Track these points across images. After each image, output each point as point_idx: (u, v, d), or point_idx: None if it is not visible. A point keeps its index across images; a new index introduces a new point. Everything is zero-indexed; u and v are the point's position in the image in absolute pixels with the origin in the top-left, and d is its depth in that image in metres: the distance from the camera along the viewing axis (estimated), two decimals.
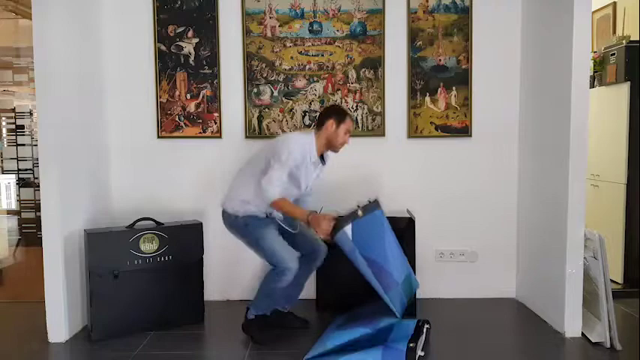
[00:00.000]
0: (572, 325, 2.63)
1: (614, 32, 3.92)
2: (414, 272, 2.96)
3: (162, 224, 2.81)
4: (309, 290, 3.10)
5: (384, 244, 2.49)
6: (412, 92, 3.19)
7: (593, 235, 2.58)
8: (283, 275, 2.48)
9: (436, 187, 3.24)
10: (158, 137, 3.21)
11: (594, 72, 3.66)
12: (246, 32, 3.16)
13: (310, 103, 3.19)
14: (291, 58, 3.17)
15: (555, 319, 2.74)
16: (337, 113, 2.58)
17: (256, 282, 3.10)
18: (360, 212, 2.45)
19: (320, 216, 2.43)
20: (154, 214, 2.86)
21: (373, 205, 2.53)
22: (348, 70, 3.18)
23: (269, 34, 3.16)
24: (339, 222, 2.42)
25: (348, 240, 2.40)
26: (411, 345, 2.28)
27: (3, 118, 5.92)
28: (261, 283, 2.62)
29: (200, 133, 3.20)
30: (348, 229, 2.39)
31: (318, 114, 2.80)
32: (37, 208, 5.05)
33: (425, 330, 2.51)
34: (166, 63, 3.17)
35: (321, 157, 2.62)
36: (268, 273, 2.57)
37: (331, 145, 2.58)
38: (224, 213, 2.64)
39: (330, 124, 2.54)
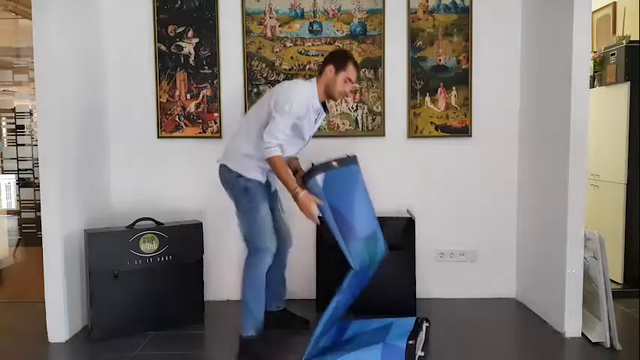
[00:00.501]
0: (572, 325, 2.63)
1: (614, 32, 3.92)
2: (414, 272, 2.96)
3: (163, 224, 2.82)
4: (309, 290, 3.11)
5: (353, 198, 2.41)
6: (412, 92, 3.19)
7: (593, 235, 2.58)
8: (262, 257, 2.40)
9: (436, 187, 3.24)
10: (158, 137, 3.21)
11: (594, 72, 3.66)
12: (246, 32, 3.16)
13: None
14: (291, 58, 3.17)
15: (555, 319, 2.74)
16: (337, 59, 2.42)
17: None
18: (334, 163, 2.37)
19: (310, 198, 2.32)
20: (154, 214, 2.86)
21: (350, 160, 2.45)
22: None
23: (269, 34, 3.16)
24: (313, 170, 2.36)
25: (318, 188, 2.33)
26: (410, 342, 2.27)
27: (3, 118, 5.93)
28: (242, 288, 2.48)
29: (200, 133, 3.20)
30: (320, 177, 2.32)
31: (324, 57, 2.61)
32: (37, 208, 5.06)
33: (424, 328, 2.51)
34: (166, 63, 3.17)
35: (323, 104, 2.50)
36: (245, 267, 2.46)
37: (330, 94, 2.45)
38: (224, 168, 2.48)
39: (329, 69, 2.41)
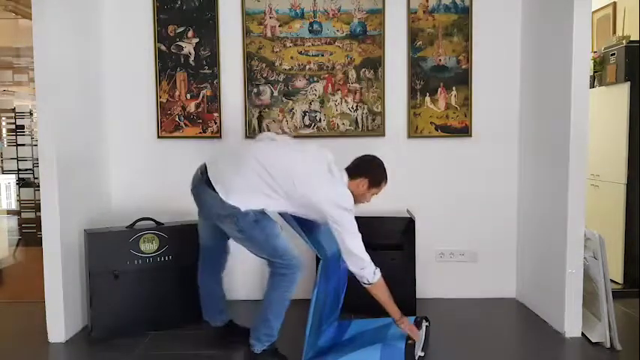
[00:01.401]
0: (572, 325, 2.63)
1: (614, 32, 3.92)
2: (414, 272, 2.96)
3: (163, 224, 2.82)
4: (308, 290, 3.10)
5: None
6: (412, 92, 3.19)
7: (593, 235, 2.58)
8: (297, 273, 2.26)
9: (436, 187, 3.24)
10: (158, 137, 3.21)
11: (594, 72, 3.66)
12: (246, 32, 3.16)
13: (310, 104, 3.19)
14: (291, 58, 3.17)
15: (555, 319, 2.74)
16: (375, 176, 2.32)
17: (256, 282, 3.12)
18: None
19: (413, 327, 2.34)
20: (154, 214, 2.86)
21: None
22: (348, 70, 3.18)
23: (269, 34, 3.16)
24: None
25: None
26: (410, 342, 2.28)
27: (3, 118, 5.93)
28: (266, 305, 2.29)
29: (200, 133, 3.20)
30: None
31: (357, 159, 2.40)
32: (37, 208, 5.05)
33: (424, 327, 2.51)
34: (166, 63, 3.17)
35: None
36: (273, 286, 2.27)
37: (354, 199, 2.28)
38: (228, 207, 2.17)
39: (362, 184, 2.29)
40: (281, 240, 2.25)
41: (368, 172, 2.32)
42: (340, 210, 2.14)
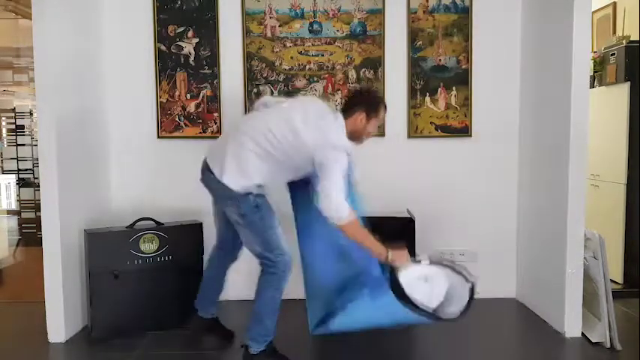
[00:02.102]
0: (572, 325, 2.63)
1: (614, 32, 3.92)
2: None
3: (163, 224, 2.82)
4: None
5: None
6: (412, 92, 3.19)
7: (593, 235, 2.58)
8: (286, 272, 2.22)
9: (436, 187, 3.24)
10: (158, 137, 3.21)
11: (594, 72, 3.66)
12: (246, 32, 3.16)
13: None
14: (291, 58, 3.17)
15: (555, 319, 2.74)
16: (370, 104, 2.22)
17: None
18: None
19: (399, 252, 2.14)
20: (154, 214, 2.86)
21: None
22: (348, 70, 3.18)
23: (269, 34, 3.16)
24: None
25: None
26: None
27: (3, 118, 5.93)
28: (257, 304, 2.27)
29: (200, 133, 3.20)
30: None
31: (346, 98, 2.43)
32: (37, 208, 5.06)
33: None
34: (166, 63, 3.17)
35: None
36: (264, 285, 2.25)
37: (355, 138, 2.23)
38: (227, 188, 2.18)
39: (360, 118, 2.20)
40: (276, 233, 2.23)
41: (361, 103, 2.23)
42: (330, 150, 2.06)
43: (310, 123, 2.15)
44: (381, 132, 3.19)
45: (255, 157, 2.17)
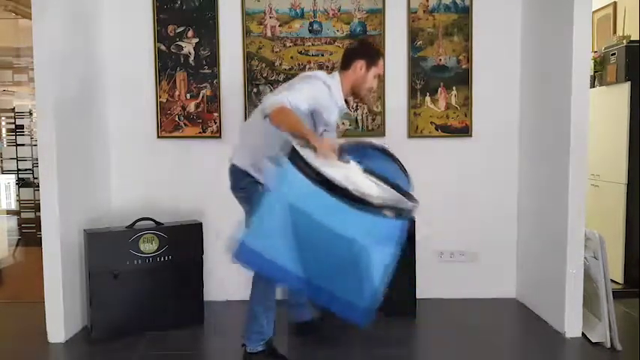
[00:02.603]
0: (572, 325, 2.63)
1: (614, 32, 3.92)
2: (414, 272, 2.96)
3: (162, 224, 2.81)
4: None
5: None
6: (412, 92, 3.18)
7: (594, 235, 2.58)
8: None
9: (436, 187, 3.23)
10: (158, 137, 3.21)
11: (594, 72, 3.66)
12: (246, 32, 3.16)
13: None
14: (291, 58, 3.17)
15: (555, 319, 2.74)
16: (368, 54, 2.20)
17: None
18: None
19: (327, 141, 1.95)
20: (154, 214, 2.86)
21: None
22: None
23: (269, 34, 3.16)
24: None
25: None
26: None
27: (3, 118, 5.93)
28: (250, 302, 2.28)
29: (200, 133, 3.20)
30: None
31: (344, 52, 2.35)
32: (36, 208, 5.05)
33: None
34: (166, 63, 3.17)
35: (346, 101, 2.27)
36: (254, 277, 2.25)
37: (356, 91, 2.22)
38: (237, 170, 2.25)
39: (360, 66, 2.17)
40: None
41: (358, 53, 2.22)
42: (307, 76, 2.08)
43: (293, 84, 2.11)
44: (381, 132, 3.19)
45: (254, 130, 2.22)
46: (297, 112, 1.93)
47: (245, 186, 2.24)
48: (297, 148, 1.82)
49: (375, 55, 2.24)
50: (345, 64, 2.23)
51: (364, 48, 2.28)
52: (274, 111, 1.92)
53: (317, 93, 2.07)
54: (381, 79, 2.27)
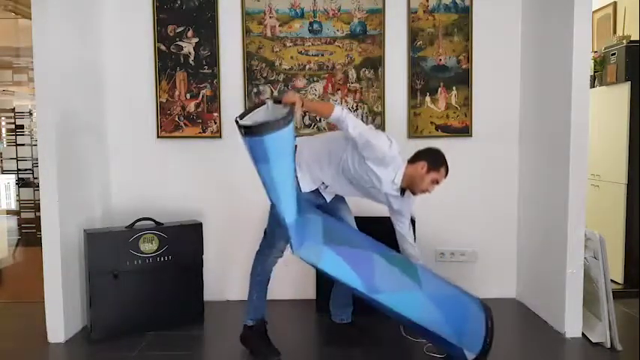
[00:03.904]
0: (572, 325, 2.63)
1: (615, 32, 3.92)
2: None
3: (162, 224, 2.81)
4: (308, 290, 3.10)
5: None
6: (412, 92, 3.18)
7: (594, 235, 2.57)
8: (275, 255, 2.44)
9: (436, 187, 3.22)
10: (158, 137, 3.21)
11: (594, 72, 3.66)
12: (246, 32, 3.16)
13: None
14: (291, 57, 3.17)
15: (555, 319, 2.74)
16: (433, 158, 2.33)
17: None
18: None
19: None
20: (154, 214, 2.86)
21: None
22: (348, 70, 3.17)
23: (269, 34, 3.16)
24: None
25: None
26: None
27: (3, 118, 5.92)
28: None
29: (200, 133, 3.20)
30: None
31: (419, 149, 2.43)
32: (36, 208, 5.05)
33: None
34: (166, 63, 3.17)
35: (402, 190, 2.38)
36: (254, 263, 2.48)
37: (411, 185, 2.33)
38: None
39: (422, 166, 2.30)
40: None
41: (427, 155, 2.34)
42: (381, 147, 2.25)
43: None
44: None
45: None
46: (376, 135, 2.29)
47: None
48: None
49: (440, 162, 2.33)
50: (413, 159, 2.35)
51: (432, 152, 2.37)
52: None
53: (387, 152, 2.26)
54: (438, 184, 2.37)
